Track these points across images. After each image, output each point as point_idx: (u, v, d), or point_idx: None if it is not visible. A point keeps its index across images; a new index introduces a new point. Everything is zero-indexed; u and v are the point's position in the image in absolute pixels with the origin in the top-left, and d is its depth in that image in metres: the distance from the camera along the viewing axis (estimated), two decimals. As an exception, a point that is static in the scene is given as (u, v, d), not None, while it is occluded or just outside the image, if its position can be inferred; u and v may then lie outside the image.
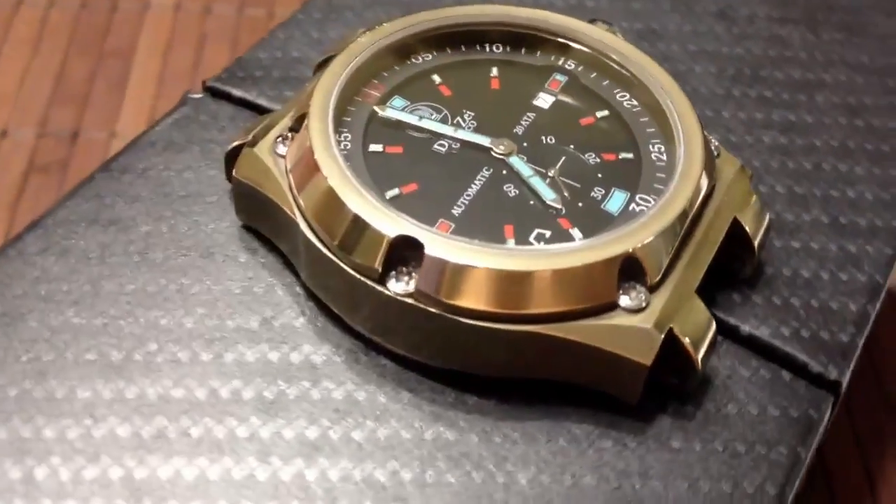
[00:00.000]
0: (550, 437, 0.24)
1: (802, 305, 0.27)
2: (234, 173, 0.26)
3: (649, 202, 0.26)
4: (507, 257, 0.23)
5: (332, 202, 0.24)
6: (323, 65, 0.29)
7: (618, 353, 0.23)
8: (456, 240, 0.24)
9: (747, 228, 0.26)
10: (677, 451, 0.24)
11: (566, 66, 0.29)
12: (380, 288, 0.24)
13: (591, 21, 0.30)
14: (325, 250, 0.24)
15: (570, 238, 0.25)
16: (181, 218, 0.28)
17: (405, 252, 0.24)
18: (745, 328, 0.26)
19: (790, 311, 0.27)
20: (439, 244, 0.23)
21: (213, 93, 0.31)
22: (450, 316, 0.23)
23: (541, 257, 0.23)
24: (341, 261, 0.24)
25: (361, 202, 0.24)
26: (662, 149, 0.27)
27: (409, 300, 0.24)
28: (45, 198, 0.41)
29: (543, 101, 0.28)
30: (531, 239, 0.25)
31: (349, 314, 0.25)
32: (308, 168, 0.25)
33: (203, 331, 0.25)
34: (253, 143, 0.27)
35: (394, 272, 0.24)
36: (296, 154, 0.26)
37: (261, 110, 0.31)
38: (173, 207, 0.28)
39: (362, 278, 0.24)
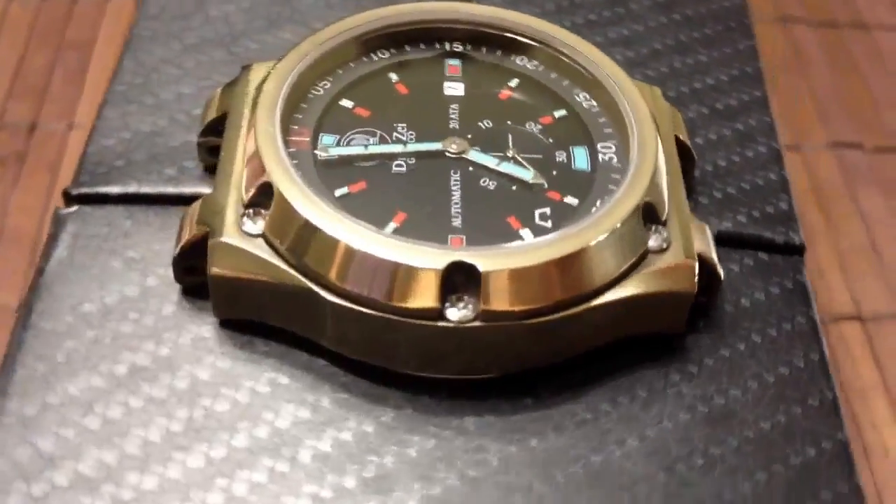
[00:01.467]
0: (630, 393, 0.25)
1: (739, 191, 0.30)
2: (211, 270, 0.24)
3: (611, 147, 0.27)
4: (547, 248, 0.23)
5: (350, 256, 0.23)
6: (211, 131, 0.27)
7: (668, 291, 0.24)
8: (488, 249, 0.23)
9: (685, 141, 0.28)
10: (729, 358, 0.26)
11: (454, 49, 0.29)
12: (441, 324, 0.23)
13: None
14: (364, 309, 0.23)
15: (569, 207, 0.25)
16: (151, 344, 0.25)
17: (454, 279, 0.23)
18: (714, 228, 0.28)
19: (734, 200, 0.29)
20: (486, 260, 0.23)
21: (86, 200, 0.28)
22: (525, 322, 0.23)
23: (571, 239, 0.24)
24: (394, 312, 0.23)
25: (371, 241, 0.23)
26: (588, 96, 0.28)
27: (477, 323, 0.23)
28: (1, 189, 0.40)
29: (454, 89, 0.28)
30: (538, 221, 0.25)
31: (405, 361, 0.24)
32: (307, 230, 0.23)
33: (265, 444, 0.23)
34: (215, 233, 0.24)
35: (448, 303, 0.23)
36: (279, 224, 0.24)
37: (152, 199, 0.28)
38: (131, 337, 0.25)
39: (420, 321, 0.23)
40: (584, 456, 0.23)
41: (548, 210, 0.25)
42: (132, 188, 0.28)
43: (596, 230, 0.24)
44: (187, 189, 0.28)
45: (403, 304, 0.23)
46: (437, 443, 0.23)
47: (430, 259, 0.23)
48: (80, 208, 0.28)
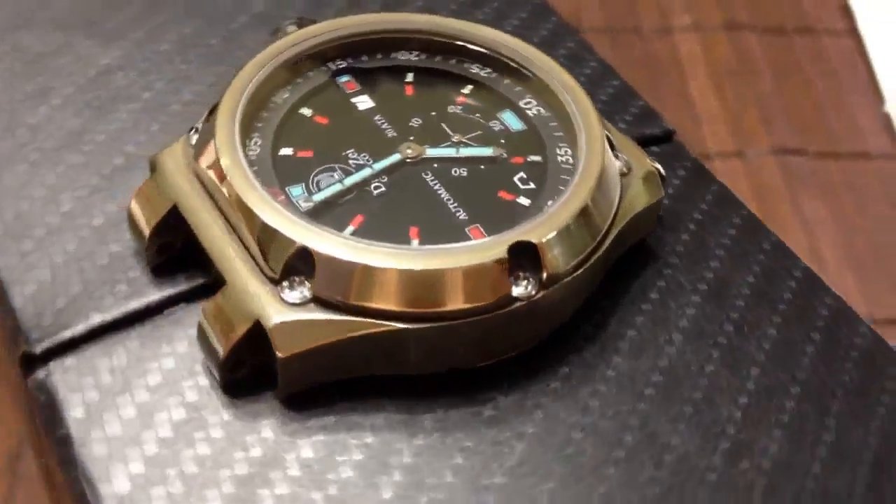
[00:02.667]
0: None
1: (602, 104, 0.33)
2: (279, 356, 0.23)
3: (532, 102, 0.29)
4: (566, 206, 0.25)
5: (412, 280, 0.24)
6: (159, 233, 0.26)
7: (650, 204, 0.27)
8: (519, 226, 0.25)
9: None
10: (694, 231, 0.29)
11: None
12: (514, 306, 0.24)
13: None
14: (445, 322, 0.24)
15: (537, 164, 0.27)
16: (238, 452, 0.24)
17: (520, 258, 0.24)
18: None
19: (605, 114, 0.33)
20: (533, 233, 0.24)
21: (53, 354, 0.26)
22: (577, 275, 0.25)
23: (579, 192, 0.25)
24: (475, 312, 0.24)
25: (423, 259, 0.24)
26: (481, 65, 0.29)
27: (542, 293, 0.25)
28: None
29: (364, 102, 0.29)
30: (523, 186, 0.27)
31: (487, 353, 0.25)
32: (364, 275, 0.23)
33: None
34: (266, 319, 0.24)
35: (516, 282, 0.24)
36: (330, 281, 0.24)
37: (126, 321, 0.26)
38: (212, 457, 0.24)
39: (497, 312, 0.24)
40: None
41: (522, 173, 0.27)
42: (97, 320, 0.26)
43: (590, 175, 0.26)
44: (153, 296, 0.27)
45: (481, 301, 0.24)
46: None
47: (489, 251, 0.24)
48: (54, 363, 0.25)
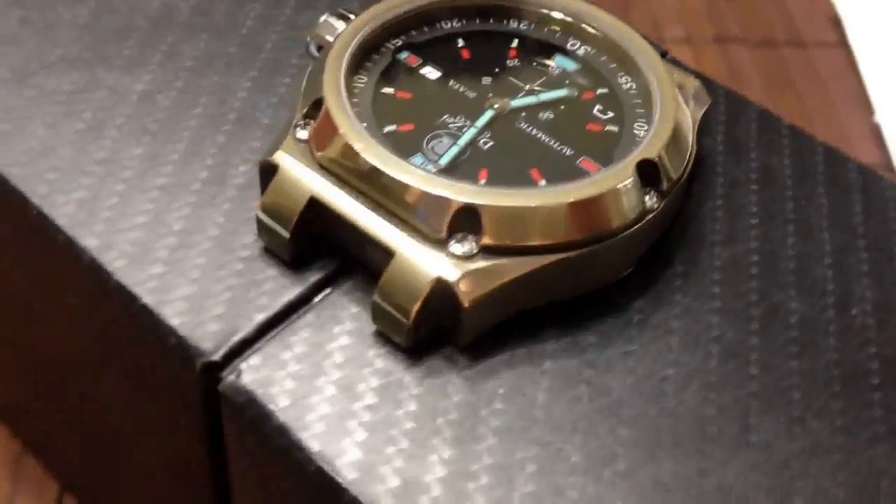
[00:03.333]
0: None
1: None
2: (465, 303, 0.26)
3: (577, 43, 0.32)
4: (653, 139, 0.29)
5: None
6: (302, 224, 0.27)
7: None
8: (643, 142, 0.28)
9: None
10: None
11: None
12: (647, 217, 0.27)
13: None
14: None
15: (609, 96, 0.30)
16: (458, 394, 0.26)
17: (642, 175, 0.27)
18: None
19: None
20: (647, 149, 0.28)
21: (235, 355, 0.27)
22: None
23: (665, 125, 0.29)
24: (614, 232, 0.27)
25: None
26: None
27: (661, 204, 0.28)
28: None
29: (432, 73, 0.31)
30: (604, 116, 0.30)
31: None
32: (514, 217, 0.26)
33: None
34: (446, 275, 0.26)
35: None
36: (496, 228, 0.26)
37: (278, 319, 0.27)
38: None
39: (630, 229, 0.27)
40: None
41: (599, 105, 0.30)
42: (261, 317, 0.27)
43: (668, 96, 0.29)
44: (301, 287, 0.28)
45: (626, 219, 0.27)
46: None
47: (621, 175, 0.27)
48: (241, 365, 0.27)
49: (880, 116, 0.46)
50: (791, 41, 0.39)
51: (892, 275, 0.30)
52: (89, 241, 0.29)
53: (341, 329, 0.27)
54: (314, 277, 0.28)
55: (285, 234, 0.28)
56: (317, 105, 0.28)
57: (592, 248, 0.27)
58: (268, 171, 0.28)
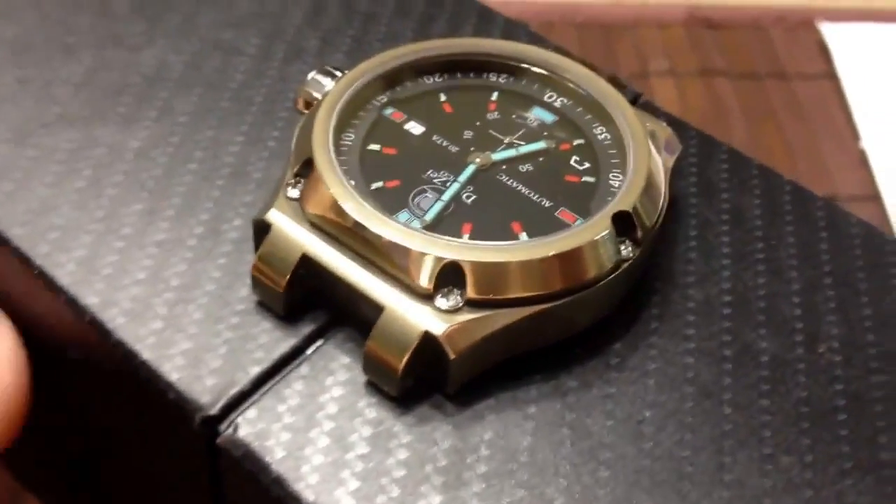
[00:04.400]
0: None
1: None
2: (452, 357, 0.27)
3: (554, 95, 0.33)
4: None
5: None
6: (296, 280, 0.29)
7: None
8: (618, 193, 0.29)
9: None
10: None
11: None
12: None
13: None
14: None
15: (584, 146, 0.32)
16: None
17: (617, 227, 0.29)
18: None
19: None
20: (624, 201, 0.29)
21: (231, 409, 0.28)
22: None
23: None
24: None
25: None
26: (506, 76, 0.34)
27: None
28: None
29: (416, 129, 0.32)
30: (581, 167, 0.31)
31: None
32: (498, 272, 0.27)
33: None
34: (434, 330, 0.27)
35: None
36: (480, 282, 0.27)
37: (273, 371, 0.29)
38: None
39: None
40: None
41: (575, 156, 0.31)
42: (256, 370, 0.29)
43: (641, 145, 0.31)
44: (295, 339, 0.29)
45: (602, 269, 0.28)
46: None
47: (598, 227, 0.28)
48: (237, 419, 0.28)
49: (866, 143, 0.46)
50: (774, 73, 0.39)
51: (857, 311, 0.31)
52: (90, 300, 0.30)
53: (333, 380, 0.29)
54: (307, 330, 0.30)
55: (279, 289, 0.29)
56: (307, 164, 0.30)
57: (572, 298, 0.28)
58: (261, 229, 0.30)
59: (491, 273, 0.27)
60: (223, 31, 0.38)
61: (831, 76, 0.39)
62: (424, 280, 0.27)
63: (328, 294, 0.29)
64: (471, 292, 0.27)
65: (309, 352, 0.29)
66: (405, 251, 0.28)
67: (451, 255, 0.27)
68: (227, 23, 0.39)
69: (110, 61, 0.37)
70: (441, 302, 0.28)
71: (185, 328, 0.30)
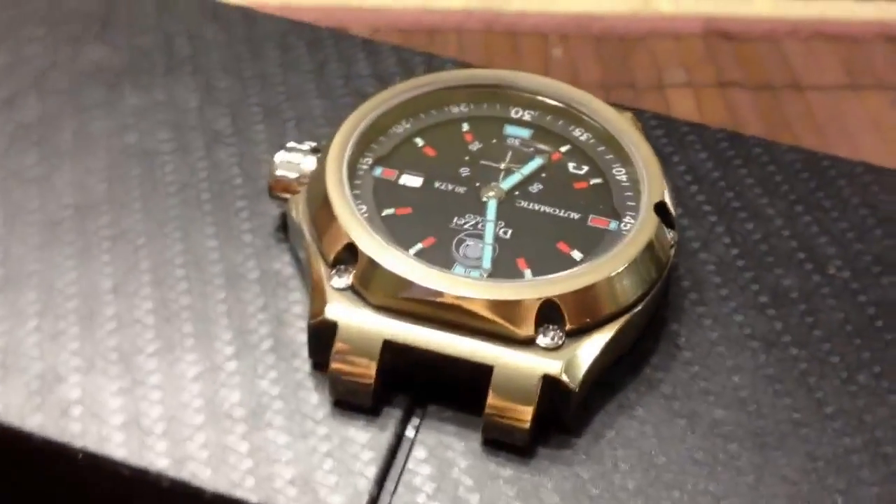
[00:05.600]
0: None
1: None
2: (572, 386, 0.27)
3: (521, 111, 0.33)
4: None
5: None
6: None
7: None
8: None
9: None
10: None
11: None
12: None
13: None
14: None
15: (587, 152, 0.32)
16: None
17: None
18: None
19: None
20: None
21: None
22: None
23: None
24: None
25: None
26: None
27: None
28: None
29: (412, 182, 0.31)
30: (587, 174, 0.32)
31: None
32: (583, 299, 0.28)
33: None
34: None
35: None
36: (575, 314, 0.28)
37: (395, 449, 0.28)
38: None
39: None
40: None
41: (572, 163, 0.32)
42: (373, 472, 0.27)
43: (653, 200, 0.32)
44: (389, 429, 0.28)
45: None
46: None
47: (645, 228, 0.29)
48: (384, 526, 0.27)
49: None
50: (789, 84, 0.40)
51: (836, 226, 0.34)
52: (160, 463, 0.27)
53: (453, 453, 0.28)
54: (397, 413, 0.29)
55: (368, 382, 0.28)
56: (348, 250, 0.28)
57: (651, 296, 0.29)
58: (321, 331, 0.28)
59: (583, 300, 0.28)
60: (125, 135, 0.35)
61: (846, 87, 0.40)
62: (525, 326, 0.27)
63: (417, 371, 0.28)
64: (570, 324, 0.28)
65: (410, 433, 0.28)
66: (496, 305, 0.27)
67: (543, 294, 0.27)
68: (124, 125, 0.36)
69: (21, 200, 0.33)
70: (545, 341, 0.27)
71: (277, 457, 0.28)
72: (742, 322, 0.31)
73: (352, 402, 0.28)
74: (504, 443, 0.28)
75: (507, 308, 0.27)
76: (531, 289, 0.28)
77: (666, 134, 0.37)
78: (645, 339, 0.30)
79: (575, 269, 0.28)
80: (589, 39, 0.40)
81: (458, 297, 0.27)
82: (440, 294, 0.27)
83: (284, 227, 0.32)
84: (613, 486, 0.28)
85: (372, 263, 0.28)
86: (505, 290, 0.27)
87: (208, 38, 0.39)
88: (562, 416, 0.28)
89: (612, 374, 0.29)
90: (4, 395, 0.28)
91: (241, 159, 0.35)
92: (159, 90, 0.37)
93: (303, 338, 0.30)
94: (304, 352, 0.30)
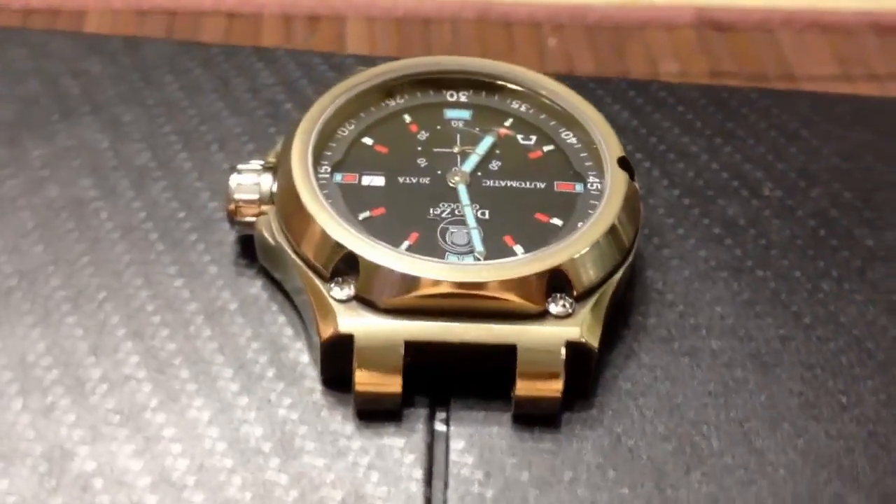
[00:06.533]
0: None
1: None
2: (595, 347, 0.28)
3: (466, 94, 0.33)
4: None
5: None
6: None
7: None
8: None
9: None
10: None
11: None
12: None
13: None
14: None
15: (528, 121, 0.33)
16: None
17: None
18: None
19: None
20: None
21: None
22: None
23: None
24: None
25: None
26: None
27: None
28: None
29: (375, 181, 0.31)
30: (537, 142, 0.32)
31: None
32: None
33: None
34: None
35: None
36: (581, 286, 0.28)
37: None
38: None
39: None
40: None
41: (519, 135, 0.32)
42: (419, 473, 0.27)
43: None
44: (422, 428, 0.28)
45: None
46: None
47: (617, 180, 0.30)
48: None
49: None
50: (783, 76, 0.40)
51: (752, 152, 0.36)
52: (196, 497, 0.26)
53: (491, 437, 0.28)
54: (423, 410, 0.28)
55: (396, 389, 0.27)
56: (346, 261, 0.28)
57: (636, 243, 0.30)
58: (336, 347, 0.28)
59: (586, 262, 0.28)
60: (44, 189, 0.33)
61: (838, 78, 0.40)
62: (538, 299, 0.28)
63: (439, 366, 0.28)
64: (577, 288, 0.28)
65: (441, 428, 0.28)
66: (507, 284, 0.28)
67: (550, 264, 0.28)
68: (39, 179, 0.33)
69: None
70: (557, 310, 0.28)
71: (321, 481, 0.27)
72: (706, 256, 0.33)
73: (377, 410, 0.28)
74: (533, 417, 0.28)
75: (519, 285, 0.28)
76: (537, 262, 0.28)
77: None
78: (628, 289, 0.31)
79: (572, 235, 0.29)
80: (582, 29, 0.40)
81: (469, 285, 0.27)
82: (451, 285, 0.27)
83: (246, 251, 0.32)
84: (646, 433, 0.28)
85: (374, 268, 0.28)
86: (512, 269, 0.28)
87: (95, 72, 0.37)
88: (584, 377, 0.29)
89: (609, 328, 0.30)
90: (15, 485, 0.26)
91: (176, 192, 0.33)
92: (63, 136, 0.35)
93: (305, 358, 0.29)
94: (311, 371, 0.29)
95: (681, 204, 0.35)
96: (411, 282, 0.27)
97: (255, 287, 0.31)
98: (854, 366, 0.30)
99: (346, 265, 0.28)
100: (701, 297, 0.32)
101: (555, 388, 0.28)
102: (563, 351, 0.28)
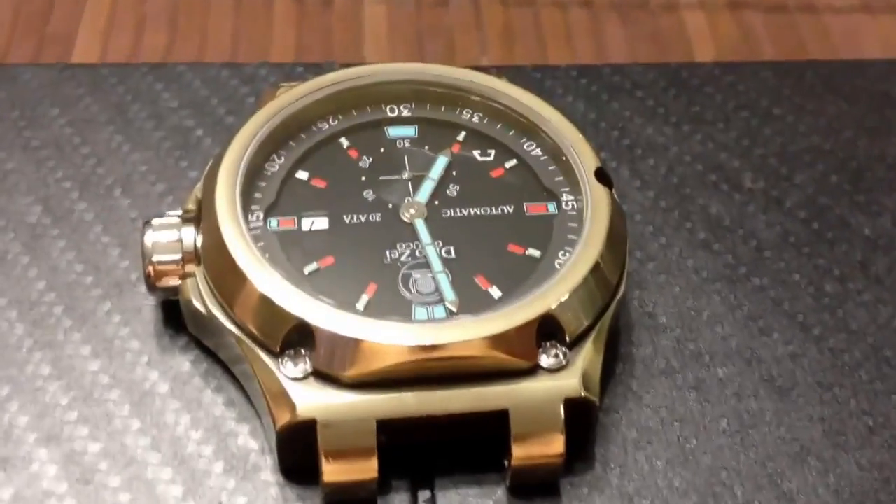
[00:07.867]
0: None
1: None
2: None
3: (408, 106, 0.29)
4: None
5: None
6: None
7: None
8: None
9: None
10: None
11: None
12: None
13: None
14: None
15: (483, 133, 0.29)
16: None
17: None
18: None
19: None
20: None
21: None
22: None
23: None
24: None
25: None
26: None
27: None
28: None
29: (317, 224, 0.26)
30: (497, 158, 0.28)
31: None
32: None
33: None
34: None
35: None
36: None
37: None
38: None
39: None
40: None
41: (475, 151, 0.28)
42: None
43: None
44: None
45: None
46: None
47: (600, 200, 0.26)
48: None
49: None
50: (803, 6, 0.38)
51: (725, 136, 0.33)
52: None
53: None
54: (404, 492, 0.24)
55: (371, 474, 0.23)
56: (298, 330, 0.23)
57: (627, 270, 0.26)
58: (295, 433, 0.23)
59: (577, 303, 0.24)
60: None
61: (861, 9, 0.38)
62: (528, 352, 0.24)
63: (418, 442, 0.24)
64: (569, 334, 0.24)
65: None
66: (496, 339, 0.23)
67: (541, 310, 0.24)
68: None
69: None
70: (549, 362, 0.24)
71: None
72: (695, 266, 0.29)
73: (350, 500, 0.24)
74: (531, 487, 0.24)
75: (505, 340, 0.24)
76: (521, 311, 0.24)
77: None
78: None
79: (556, 272, 0.25)
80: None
81: (446, 346, 0.23)
82: (425, 349, 0.23)
83: (171, 316, 0.27)
84: (661, 489, 0.25)
85: (332, 338, 0.23)
86: (494, 322, 0.24)
87: (-41, 114, 0.32)
88: (585, 434, 0.25)
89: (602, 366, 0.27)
90: None
91: (78, 252, 0.28)
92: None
93: (255, 445, 0.25)
94: (266, 461, 0.25)
95: (658, 207, 0.31)
96: (378, 350, 0.23)
97: (187, 361, 0.26)
98: (874, 380, 0.27)
99: (299, 335, 0.24)
100: (697, 316, 0.28)
101: (555, 452, 0.24)
102: (562, 410, 0.24)
